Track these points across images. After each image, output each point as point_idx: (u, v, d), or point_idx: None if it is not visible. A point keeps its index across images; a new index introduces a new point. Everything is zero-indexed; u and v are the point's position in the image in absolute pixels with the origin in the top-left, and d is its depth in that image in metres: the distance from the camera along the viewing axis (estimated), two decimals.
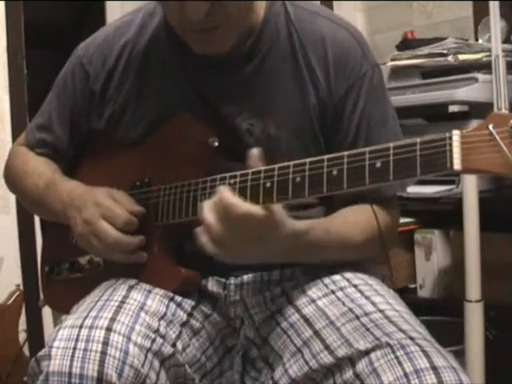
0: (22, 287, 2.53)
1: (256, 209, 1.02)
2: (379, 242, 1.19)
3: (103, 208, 1.18)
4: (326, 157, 1.01)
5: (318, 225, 1.14)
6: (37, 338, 2.52)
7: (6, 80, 2.57)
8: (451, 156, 0.91)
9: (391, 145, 0.96)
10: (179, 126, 1.22)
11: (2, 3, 2.55)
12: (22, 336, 2.53)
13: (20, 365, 2.30)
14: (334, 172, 0.99)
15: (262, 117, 1.20)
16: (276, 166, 1.05)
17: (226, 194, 1.03)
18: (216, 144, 1.19)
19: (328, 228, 1.15)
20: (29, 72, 2.61)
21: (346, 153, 1.00)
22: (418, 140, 0.94)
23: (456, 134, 0.91)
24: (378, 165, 0.96)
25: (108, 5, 3.26)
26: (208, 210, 1.04)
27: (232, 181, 1.08)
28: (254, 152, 1.07)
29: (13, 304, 2.46)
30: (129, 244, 1.18)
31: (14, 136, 2.46)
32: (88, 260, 1.29)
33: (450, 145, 0.91)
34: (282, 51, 1.21)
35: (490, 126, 0.90)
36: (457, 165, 0.90)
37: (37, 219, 2.52)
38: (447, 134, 0.92)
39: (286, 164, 1.04)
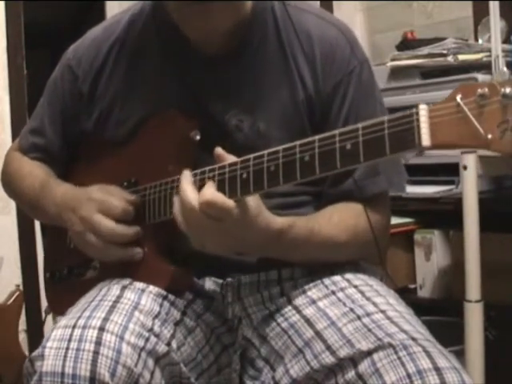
0: (21, 287, 2.53)
1: (229, 203, 1.02)
2: (369, 242, 1.18)
3: (98, 202, 1.18)
4: (298, 142, 1.00)
5: (301, 222, 1.13)
6: (37, 338, 2.52)
7: (6, 80, 2.58)
8: (419, 132, 0.88)
9: (360, 125, 0.94)
10: (161, 123, 1.22)
11: (2, 3, 2.56)
12: (22, 336, 2.54)
13: (21, 365, 2.30)
14: (306, 158, 0.98)
15: (250, 113, 1.20)
16: (251, 155, 1.04)
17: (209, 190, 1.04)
18: (198, 137, 1.19)
19: (311, 226, 1.14)
20: (29, 72, 2.62)
21: (317, 137, 0.99)
22: (386, 118, 0.92)
23: (423, 109, 0.88)
24: (349, 147, 0.95)
25: (108, 5, 3.27)
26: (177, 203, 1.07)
27: (211, 174, 1.08)
28: (219, 151, 1.07)
29: (13, 304, 2.46)
30: (125, 234, 1.18)
31: (14, 136, 2.46)
32: (86, 264, 1.29)
33: (418, 120, 0.88)
34: (271, 47, 1.21)
35: (458, 97, 0.87)
36: (425, 141, 0.87)
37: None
38: (414, 109, 0.89)
39: (260, 153, 1.03)
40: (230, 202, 1.03)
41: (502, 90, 0.84)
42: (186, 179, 1.08)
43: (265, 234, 1.08)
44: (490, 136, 0.85)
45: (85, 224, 1.18)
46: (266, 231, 1.08)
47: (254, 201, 1.05)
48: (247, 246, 1.10)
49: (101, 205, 1.18)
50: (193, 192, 1.05)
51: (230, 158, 1.07)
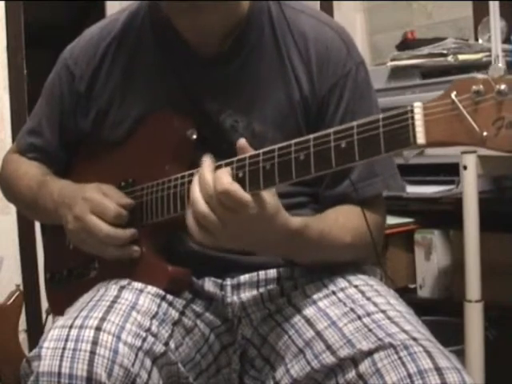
0: (22, 287, 2.53)
1: (246, 196, 1.00)
2: (368, 243, 1.18)
3: (92, 203, 1.18)
4: (293, 141, 1.00)
5: (312, 223, 1.13)
6: (37, 338, 2.51)
7: (6, 80, 2.57)
8: (414, 130, 0.87)
9: (355, 123, 0.94)
10: (157, 122, 1.22)
11: (2, 3, 2.55)
12: (22, 336, 2.53)
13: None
14: (302, 157, 0.98)
15: (246, 113, 1.20)
16: (247, 155, 1.03)
17: (226, 178, 1.01)
18: (195, 136, 1.19)
19: (321, 227, 1.14)
20: (29, 72, 2.62)
21: (312, 136, 0.98)
22: (381, 116, 0.91)
23: (418, 106, 0.88)
24: (343, 145, 0.94)
25: (108, 5, 3.26)
26: (198, 195, 1.02)
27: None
28: (242, 142, 1.05)
29: (13, 304, 2.45)
30: (121, 237, 1.17)
31: (14, 136, 2.46)
32: (85, 265, 1.29)
33: (413, 118, 0.88)
34: (267, 48, 1.21)
35: (453, 94, 0.86)
36: (420, 139, 0.87)
37: None
38: (409, 107, 0.89)
39: (256, 152, 1.03)
40: (246, 195, 1.00)
41: (497, 86, 0.84)
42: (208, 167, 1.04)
43: (282, 233, 1.07)
44: (485, 133, 0.84)
45: (78, 223, 1.18)
46: (283, 230, 1.06)
47: (271, 198, 1.03)
48: (261, 243, 1.08)
49: (95, 206, 1.18)
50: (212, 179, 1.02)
51: (252, 150, 1.05)
